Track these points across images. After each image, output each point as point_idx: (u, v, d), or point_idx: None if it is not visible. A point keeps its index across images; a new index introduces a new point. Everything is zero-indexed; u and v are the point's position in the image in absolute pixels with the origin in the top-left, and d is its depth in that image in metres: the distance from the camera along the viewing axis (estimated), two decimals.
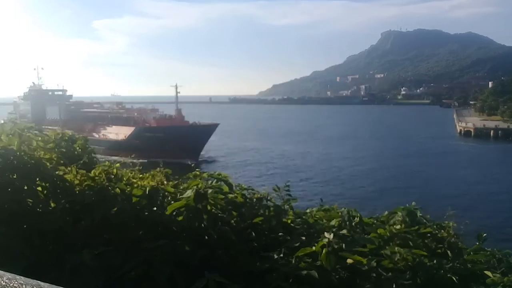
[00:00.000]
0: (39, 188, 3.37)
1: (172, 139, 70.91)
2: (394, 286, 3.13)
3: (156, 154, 57.18)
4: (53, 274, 2.83)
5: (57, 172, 3.56)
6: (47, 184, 3.40)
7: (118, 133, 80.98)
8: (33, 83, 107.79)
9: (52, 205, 3.42)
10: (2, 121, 3.65)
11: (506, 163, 74.70)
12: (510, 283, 3.32)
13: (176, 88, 79.68)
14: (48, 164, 3.51)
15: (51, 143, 4.04)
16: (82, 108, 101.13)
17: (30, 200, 3.18)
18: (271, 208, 4.28)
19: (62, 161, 3.79)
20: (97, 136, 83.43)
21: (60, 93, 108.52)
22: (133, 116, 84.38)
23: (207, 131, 76.42)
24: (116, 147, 72.48)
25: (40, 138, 3.72)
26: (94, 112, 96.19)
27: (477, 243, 4.14)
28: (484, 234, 4.26)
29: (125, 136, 78.18)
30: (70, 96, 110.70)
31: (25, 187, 3.15)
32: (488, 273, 3.62)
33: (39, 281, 1.41)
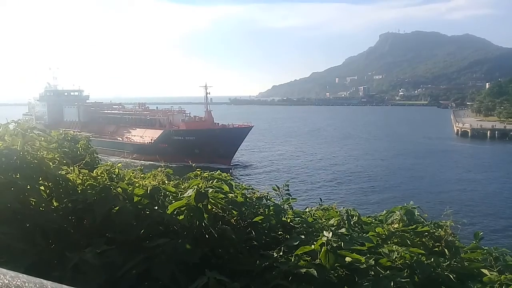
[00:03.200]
0: (42, 188, 3.39)
1: (204, 143, 67.36)
2: (392, 284, 3.16)
3: (187, 159, 55.05)
4: (55, 273, 2.86)
5: (60, 172, 3.58)
6: (50, 184, 3.42)
7: (143, 136, 77.02)
8: (48, 83, 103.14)
9: (55, 204, 3.44)
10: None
11: (502, 163, 74.95)
12: (507, 281, 3.36)
13: (206, 88, 73.89)
14: (51, 164, 3.53)
15: (54, 143, 4.06)
16: (102, 109, 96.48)
17: (33, 200, 3.20)
18: (271, 207, 4.31)
19: (64, 161, 3.81)
20: (120, 139, 79.93)
21: (77, 93, 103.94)
22: (159, 118, 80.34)
23: (240, 134, 72.38)
24: (142, 150, 68.79)
25: (43, 138, 3.75)
26: (115, 113, 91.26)
27: (474, 242, 4.17)
28: (481, 233, 4.30)
29: (151, 140, 74.26)
30: (87, 97, 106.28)
31: (28, 187, 3.17)
32: (485, 271, 3.66)
33: (41, 279, 1.42)
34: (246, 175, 61.77)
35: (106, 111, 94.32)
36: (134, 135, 79.45)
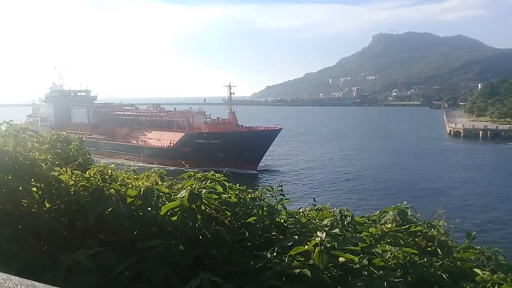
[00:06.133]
0: (34, 189, 3.37)
1: (229, 146, 63.50)
2: (385, 283, 3.17)
3: (211, 163, 48.01)
4: (48, 274, 2.84)
5: (52, 173, 3.56)
6: (42, 185, 3.40)
7: (160, 139, 72.77)
8: (53, 83, 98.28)
9: (47, 205, 3.42)
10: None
11: (494, 163, 75.55)
12: (499, 280, 3.39)
13: (230, 88, 69.92)
14: (43, 165, 3.50)
15: (46, 144, 4.04)
16: (114, 110, 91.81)
17: (25, 201, 3.18)
18: (265, 208, 4.31)
19: (57, 162, 3.79)
20: (135, 142, 75.47)
21: (84, 94, 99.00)
22: (177, 120, 76.35)
23: (269, 136, 67.78)
24: (161, 154, 65.08)
25: (35, 139, 3.73)
26: (129, 115, 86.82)
27: (467, 241, 4.20)
28: (473, 233, 4.32)
29: (171, 143, 69.75)
30: (95, 97, 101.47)
31: (20, 188, 3.15)
32: (478, 270, 3.68)
33: (34, 281, 1.42)
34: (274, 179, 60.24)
35: (118, 113, 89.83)
36: (150, 138, 75.09)
